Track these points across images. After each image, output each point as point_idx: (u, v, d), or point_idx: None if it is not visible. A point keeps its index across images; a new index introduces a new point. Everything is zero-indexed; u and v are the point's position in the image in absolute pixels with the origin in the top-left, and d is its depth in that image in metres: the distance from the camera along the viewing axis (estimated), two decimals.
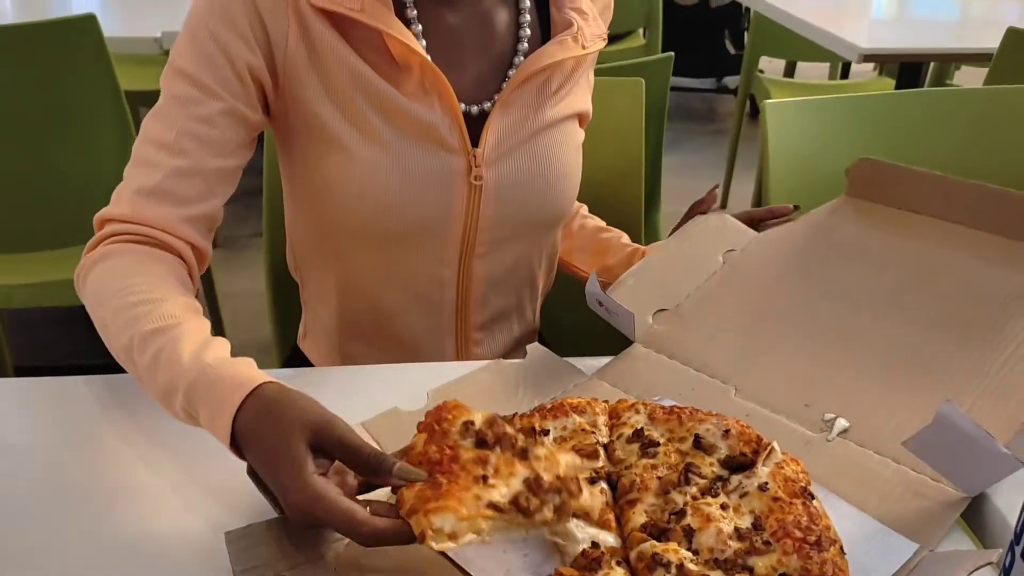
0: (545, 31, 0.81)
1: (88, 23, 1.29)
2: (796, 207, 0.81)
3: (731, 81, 3.75)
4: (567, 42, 0.78)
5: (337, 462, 0.55)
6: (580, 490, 0.56)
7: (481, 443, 0.56)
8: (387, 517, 0.52)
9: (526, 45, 0.79)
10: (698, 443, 0.60)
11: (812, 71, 3.20)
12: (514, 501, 0.54)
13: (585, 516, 0.57)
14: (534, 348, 0.75)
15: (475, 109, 0.77)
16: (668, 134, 1.27)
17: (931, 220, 0.70)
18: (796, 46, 1.92)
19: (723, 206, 2.83)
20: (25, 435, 0.67)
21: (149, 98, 1.45)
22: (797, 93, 2.43)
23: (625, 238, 0.95)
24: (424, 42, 0.74)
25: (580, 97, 0.84)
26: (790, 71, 3.30)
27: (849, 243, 0.73)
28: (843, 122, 1.03)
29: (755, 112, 3.14)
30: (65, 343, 2.03)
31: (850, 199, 0.75)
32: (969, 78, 2.72)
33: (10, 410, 0.70)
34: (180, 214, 0.70)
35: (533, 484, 0.55)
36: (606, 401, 0.65)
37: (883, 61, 1.96)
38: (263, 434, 0.55)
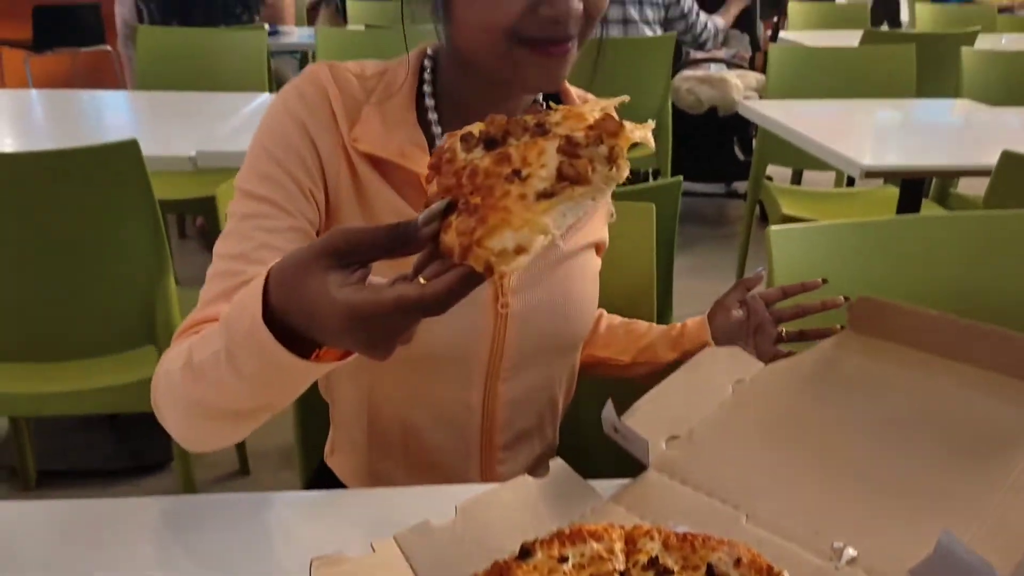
0: None
1: (130, 148, 1.36)
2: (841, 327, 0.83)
3: (740, 186, 3.85)
4: None
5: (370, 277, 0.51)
6: (621, 123, 0.49)
7: (491, 143, 0.50)
8: (443, 276, 0.47)
9: None
10: (711, 572, 0.62)
11: (819, 178, 3.28)
12: (560, 176, 0.47)
13: None
14: (556, 466, 0.78)
15: None
16: (679, 237, 1.31)
17: (931, 356, 0.73)
18: (801, 156, 1.99)
19: None
20: (45, 561, 0.64)
21: (177, 206, 1.51)
22: (804, 201, 2.50)
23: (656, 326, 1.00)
24: None
25: (597, 227, 0.90)
26: (797, 177, 3.38)
27: (854, 376, 0.76)
28: (847, 246, 1.08)
29: (764, 217, 3.21)
30: (88, 447, 2.06)
31: (853, 333, 0.79)
32: (973, 185, 2.79)
33: (33, 533, 0.67)
34: None
35: (568, 147, 0.48)
36: (622, 527, 0.67)
37: (885, 177, 2.03)
38: (291, 302, 0.52)
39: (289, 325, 0.53)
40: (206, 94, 2.29)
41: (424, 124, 0.81)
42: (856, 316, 0.78)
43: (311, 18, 3.56)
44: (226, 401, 0.62)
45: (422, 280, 0.49)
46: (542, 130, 0.50)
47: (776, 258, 1.04)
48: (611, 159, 0.48)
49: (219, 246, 0.76)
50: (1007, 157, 1.33)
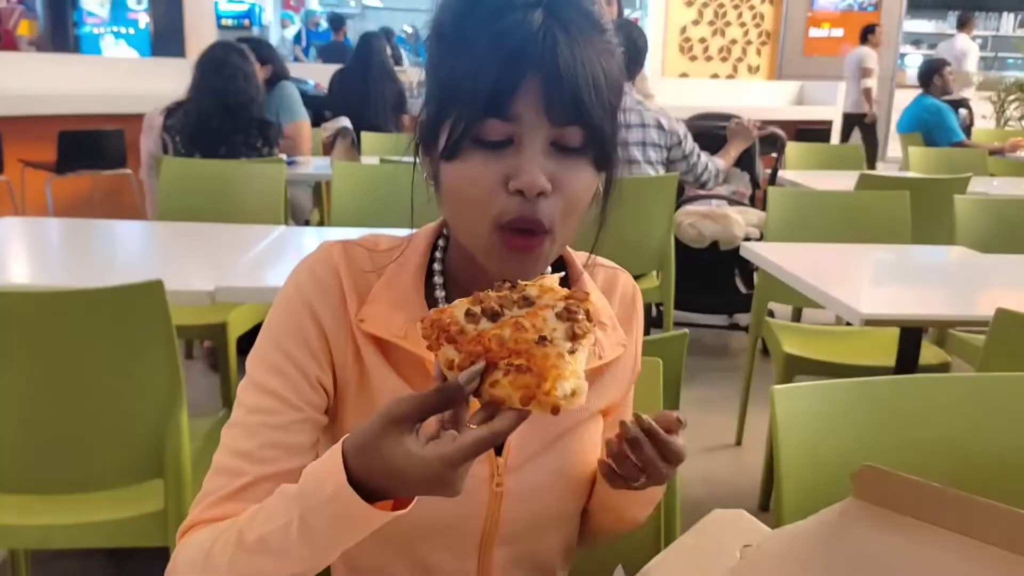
0: None
1: (154, 289, 1.41)
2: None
3: (743, 318, 3.91)
4: None
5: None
6: (587, 292, 0.65)
7: (494, 316, 0.63)
8: (504, 416, 0.61)
9: None
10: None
11: (820, 314, 3.33)
12: (572, 336, 0.62)
13: None
14: None
15: None
16: (684, 370, 1.34)
17: (935, 528, 0.75)
18: (802, 296, 2.03)
19: (739, 442, 2.88)
20: None
21: (187, 331, 1.52)
22: (805, 339, 2.54)
23: None
24: None
25: (606, 392, 0.90)
26: (797, 313, 3.44)
27: (858, 544, 0.78)
28: (848, 404, 1.10)
29: (767, 351, 3.25)
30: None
31: (858, 501, 0.81)
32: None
33: None
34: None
35: (567, 314, 0.63)
36: None
37: (883, 325, 2.07)
38: (373, 467, 0.62)
39: (369, 488, 0.63)
40: (225, 226, 2.37)
41: (432, 301, 0.84)
42: (861, 485, 0.80)
43: (327, 149, 3.71)
44: (282, 568, 0.68)
45: (473, 426, 0.62)
46: (529, 302, 0.64)
47: (779, 415, 1.06)
48: (590, 320, 0.63)
49: (226, 436, 0.80)
50: (1002, 314, 1.38)
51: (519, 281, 0.68)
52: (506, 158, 0.73)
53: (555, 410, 0.59)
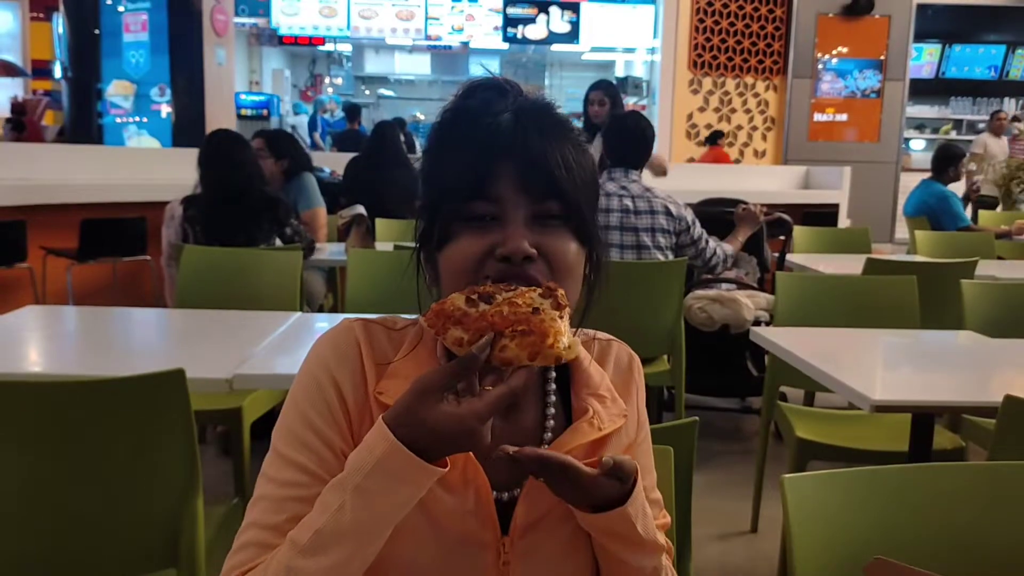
0: (569, 417, 0.92)
1: (175, 378, 1.44)
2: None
3: (755, 400, 3.90)
4: (582, 428, 0.89)
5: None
6: (557, 285, 0.80)
7: (488, 300, 0.76)
8: (518, 372, 0.73)
9: (550, 435, 0.90)
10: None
11: (832, 397, 3.33)
12: (556, 307, 0.76)
13: None
14: None
15: (506, 496, 0.87)
16: (695, 456, 1.34)
17: None
18: (813, 380, 2.04)
19: (754, 529, 2.84)
20: None
21: (201, 417, 1.54)
22: (818, 423, 2.54)
23: None
24: None
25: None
26: (810, 397, 3.43)
27: None
28: (860, 493, 1.11)
29: (780, 434, 3.23)
30: None
31: None
32: None
33: None
34: None
35: (546, 292, 0.78)
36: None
37: (894, 411, 2.08)
38: (417, 431, 0.73)
39: (415, 450, 0.74)
40: (242, 313, 2.42)
41: None
42: None
43: (342, 235, 3.78)
44: (336, 564, 0.74)
45: (489, 388, 0.74)
46: (512, 289, 0.79)
47: (791, 503, 1.07)
48: (566, 298, 0.80)
49: (253, 511, 0.83)
50: (1010, 402, 1.39)
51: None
52: (492, 232, 0.83)
53: (558, 360, 0.74)
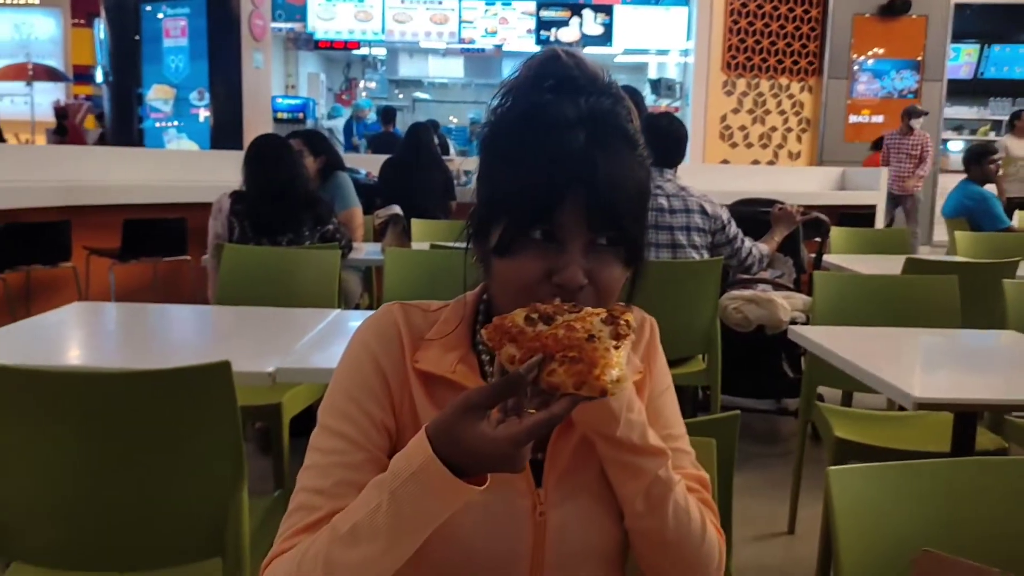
0: None
1: (221, 370, 1.47)
2: None
3: (791, 402, 3.86)
4: None
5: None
6: (627, 307, 0.81)
7: (548, 320, 0.76)
8: (561, 401, 0.72)
9: None
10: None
11: (870, 398, 3.30)
12: (615, 336, 0.74)
13: None
14: None
15: (540, 454, 0.91)
16: (736, 452, 1.34)
17: None
18: (851, 379, 2.02)
19: (791, 530, 2.82)
20: None
21: (243, 413, 1.58)
22: (857, 424, 2.52)
23: None
24: None
25: None
26: (847, 398, 3.40)
27: None
28: (904, 486, 1.11)
29: (816, 435, 3.20)
30: None
31: None
32: None
33: None
34: None
35: (609, 319, 0.75)
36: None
37: (937, 409, 2.06)
38: (454, 448, 0.74)
39: (449, 466, 0.75)
40: (281, 310, 2.45)
41: (476, 352, 0.95)
42: (920, 570, 0.81)
43: (378, 235, 3.82)
44: (370, 559, 0.77)
45: (532, 411, 0.73)
46: (577, 310, 0.77)
47: (836, 496, 1.07)
48: (629, 327, 0.77)
49: (302, 477, 0.89)
50: None
51: None
52: (550, 254, 0.85)
53: (603, 392, 0.71)
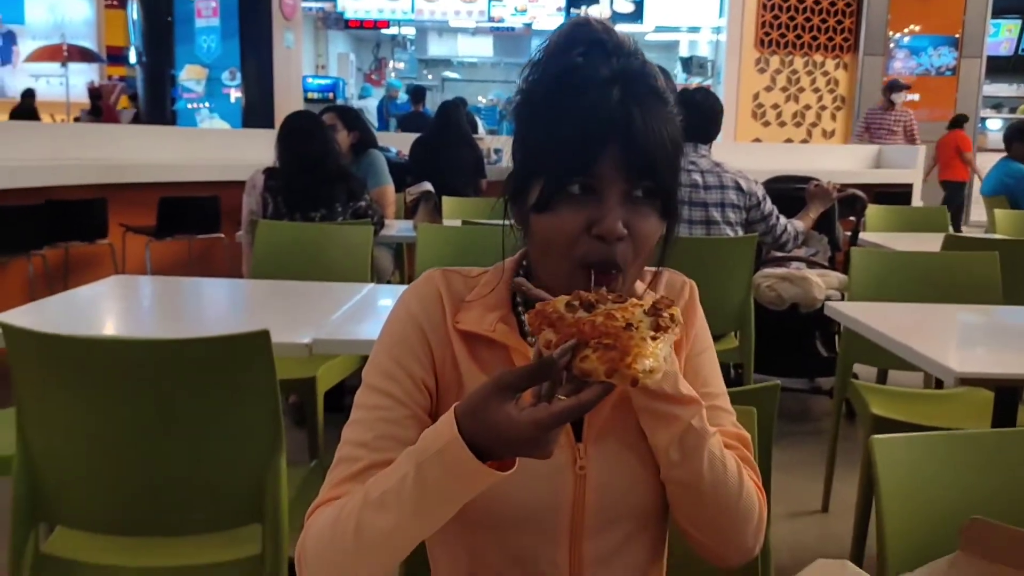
0: None
1: (260, 339, 1.48)
2: None
3: (824, 381, 3.83)
4: None
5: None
6: (672, 301, 0.77)
7: (589, 307, 0.75)
8: (591, 388, 0.71)
9: None
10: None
11: (904, 376, 3.26)
12: (656, 327, 0.73)
13: None
14: None
15: None
16: (775, 423, 1.33)
17: None
18: (888, 357, 2.00)
19: (825, 508, 2.80)
20: None
21: (281, 385, 1.61)
22: (893, 401, 2.49)
23: None
24: None
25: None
26: (882, 376, 3.36)
27: None
28: (949, 455, 1.10)
29: (850, 414, 3.17)
30: None
31: (965, 555, 0.81)
32: None
33: None
34: None
35: (653, 311, 0.74)
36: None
37: (978, 385, 2.03)
38: (480, 428, 0.74)
39: (476, 447, 0.75)
40: (316, 284, 2.47)
41: (516, 313, 0.96)
42: (969, 538, 0.80)
43: (409, 212, 3.83)
44: (398, 526, 0.79)
45: (562, 397, 0.73)
46: (622, 299, 0.77)
47: (880, 465, 1.06)
48: (673, 320, 0.75)
49: (347, 432, 0.92)
50: None
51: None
52: (589, 207, 0.86)
53: (634, 381, 0.69)
